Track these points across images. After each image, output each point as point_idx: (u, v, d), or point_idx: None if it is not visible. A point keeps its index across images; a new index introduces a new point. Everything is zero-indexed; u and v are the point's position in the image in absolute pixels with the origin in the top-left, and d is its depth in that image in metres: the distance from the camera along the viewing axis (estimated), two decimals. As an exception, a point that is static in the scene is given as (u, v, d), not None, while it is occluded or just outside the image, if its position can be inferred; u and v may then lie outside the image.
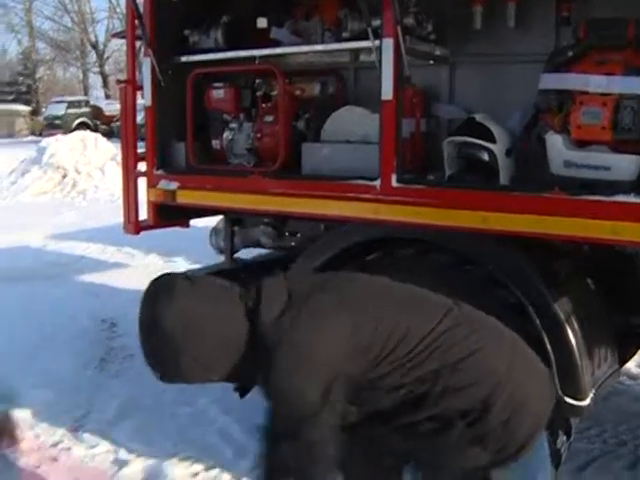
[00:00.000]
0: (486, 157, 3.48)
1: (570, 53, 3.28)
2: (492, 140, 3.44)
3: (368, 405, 2.30)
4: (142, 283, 7.72)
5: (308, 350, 2.20)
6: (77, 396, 5.17)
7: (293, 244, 4.20)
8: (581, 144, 3.21)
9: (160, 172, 4.45)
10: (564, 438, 3.34)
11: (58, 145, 17.00)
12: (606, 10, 3.42)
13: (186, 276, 2.46)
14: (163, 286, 2.38)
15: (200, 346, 2.27)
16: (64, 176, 16.37)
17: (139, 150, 4.72)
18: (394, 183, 3.47)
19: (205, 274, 2.55)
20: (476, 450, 2.27)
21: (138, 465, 4.21)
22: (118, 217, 5.10)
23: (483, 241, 3.34)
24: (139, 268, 9.18)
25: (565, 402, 3.13)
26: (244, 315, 2.30)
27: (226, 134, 4.37)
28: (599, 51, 3.20)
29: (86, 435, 4.60)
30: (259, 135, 4.21)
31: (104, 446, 4.46)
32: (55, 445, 4.49)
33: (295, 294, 2.34)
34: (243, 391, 3.69)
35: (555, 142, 3.28)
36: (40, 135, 33.72)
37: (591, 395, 3.19)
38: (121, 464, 4.23)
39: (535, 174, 3.44)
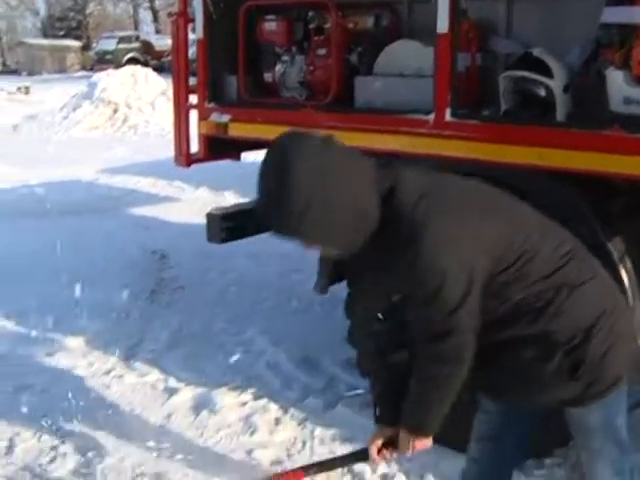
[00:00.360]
0: (543, 93, 3.40)
1: (635, -15, 3.17)
2: (550, 75, 3.36)
3: (484, 315, 2.25)
4: (192, 216, 7.91)
5: (456, 233, 2.14)
6: (129, 326, 5.28)
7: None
8: (644, 80, 3.12)
9: (212, 105, 4.44)
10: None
11: (109, 80, 17.07)
12: None
13: (323, 137, 2.21)
14: (296, 137, 2.16)
15: (332, 200, 2.06)
16: (115, 111, 16.46)
17: (190, 83, 4.71)
18: (448, 117, 3.41)
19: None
20: (568, 382, 2.25)
21: (188, 393, 4.29)
22: (168, 151, 5.12)
23: (537, 177, 3.29)
24: (189, 202, 9.25)
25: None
26: (377, 190, 2.17)
27: (278, 67, 4.33)
28: (666, -17, 3.09)
29: (137, 363, 4.69)
30: (311, 68, 4.17)
31: (155, 374, 4.55)
32: (107, 373, 4.60)
33: (439, 183, 2.30)
34: (330, 281, 3.65)
35: (615, 78, 3.19)
36: (91, 70, 33.87)
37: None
38: (171, 392, 4.32)
39: (593, 111, 3.36)
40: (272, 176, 2.09)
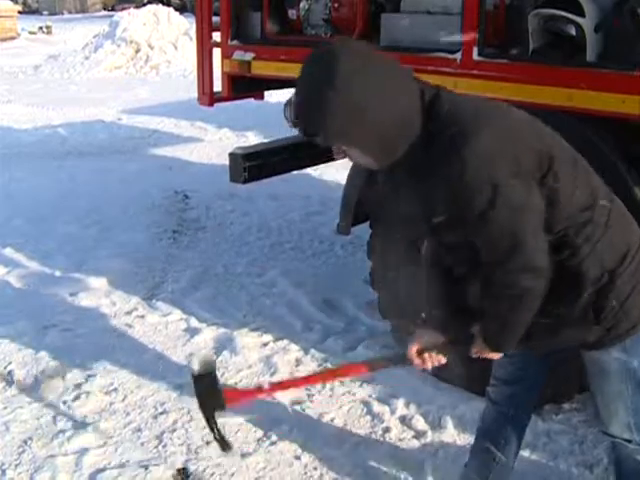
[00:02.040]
0: (573, 32, 3.31)
1: None
2: (581, 14, 3.28)
3: None
4: (214, 157, 7.92)
5: (514, 131, 2.09)
6: (151, 266, 5.30)
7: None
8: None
9: (235, 43, 4.37)
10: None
11: (131, 19, 16.91)
12: None
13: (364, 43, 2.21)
14: (347, 41, 2.14)
15: (374, 109, 1.98)
16: (137, 51, 16.34)
17: (213, 22, 4.65)
18: (475, 57, 3.34)
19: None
20: (592, 324, 2.23)
21: (209, 334, 4.31)
22: (191, 92, 5.09)
23: (566, 119, 3.23)
24: (212, 142, 9.21)
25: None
26: (421, 102, 2.08)
27: (302, 4, 4.26)
28: None
29: (159, 303, 4.72)
30: (336, 5, 4.09)
31: (176, 315, 4.57)
32: (130, 313, 4.63)
33: (475, 101, 2.23)
34: (351, 224, 3.62)
35: (649, 17, 3.11)
36: (112, 10, 33.59)
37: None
38: (193, 332, 4.34)
39: (625, 52, 3.28)
40: (317, 76, 2.01)
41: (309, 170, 6.44)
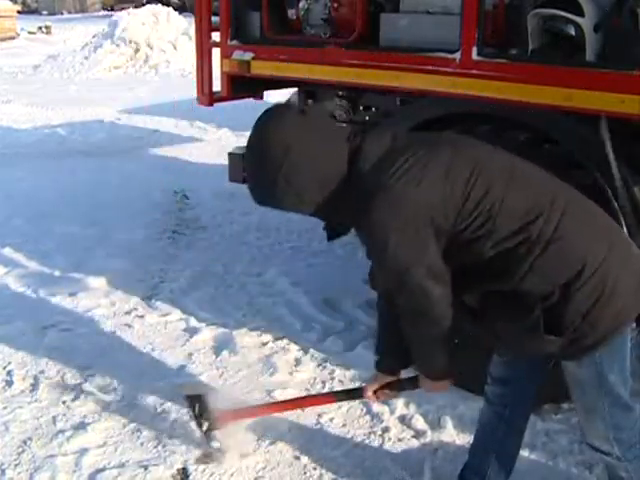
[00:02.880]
0: (573, 32, 3.32)
1: None
2: (580, 14, 3.28)
3: (454, 261, 2.29)
4: (214, 157, 7.89)
5: (404, 197, 2.19)
6: (150, 266, 5.29)
7: (367, 118, 4.12)
8: (678, 19, 3.04)
9: (234, 42, 4.38)
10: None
11: (130, 19, 16.90)
12: None
13: (301, 109, 2.49)
14: (274, 112, 2.33)
15: (297, 172, 2.24)
16: (136, 51, 16.35)
17: (213, 21, 4.65)
18: (474, 56, 3.35)
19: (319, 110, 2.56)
20: (550, 337, 2.21)
21: (208, 333, 4.31)
22: (190, 92, 5.09)
23: (565, 120, 3.23)
24: (211, 142, 9.22)
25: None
26: (347, 154, 2.29)
27: (302, 3, 4.25)
28: None
29: (159, 303, 4.71)
30: (336, 5, 4.09)
31: (176, 314, 4.57)
32: (129, 313, 4.62)
33: (398, 145, 2.31)
34: (332, 234, 3.69)
35: (649, 17, 3.10)
36: (112, 9, 33.57)
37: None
38: (192, 332, 4.33)
39: (624, 52, 3.28)
40: (249, 151, 2.34)
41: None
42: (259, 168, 2.29)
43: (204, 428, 3.15)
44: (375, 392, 2.82)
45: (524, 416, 2.77)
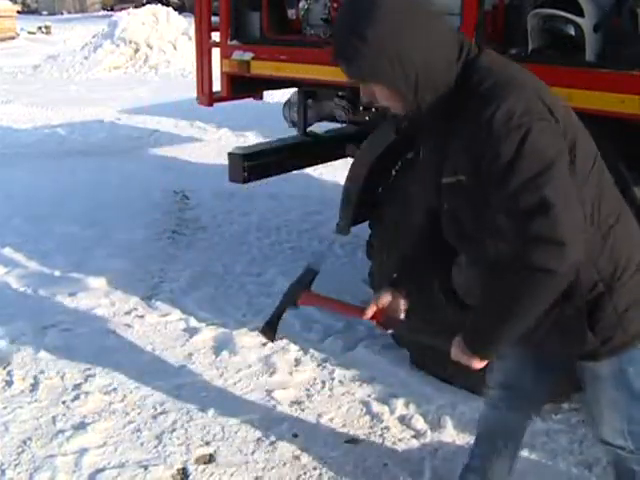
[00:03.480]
0: (572, 32, 3.31)
1: None
2: (580, 14, 3.27)
3: None
4: (214, 157, 7.90)
5: (536, 91, 2.02)
6: (150, 266, 5.29)
7: (367, 118, 4.12)
8: (678, 19, 3.04)
9: (234, 42, 4.38)
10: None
11: (130, 19, 16.90)
12: None
13: None
14: None
15: (412, 50, 1.95)
16: (136, 51, 16.34)
17: (212, 21, 4.65)
18: (474, 56, 3.34)
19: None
20: (584, 334, 2.15)
21: (208, 333, 4.31)
22: (190, 92, 5.09)
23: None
24: (211, 142, 9.21)
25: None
26: (458, 52, 2.04)
27: (302, 4, 4.26)
28: None
29: (158, 303, 4.71)
30: (335, 5, 4.08)
31: (176, 314, 4.57)
32: (129, 313, 4.62)
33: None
34: (351, 223, 3.74)
35: (648, 17, 3.11)
36: (112, 9, 33.55)
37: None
38: (192, 332, 4.33)
39: (624, 52, 3.28)
40: (360, 5, 1.97)
41: (309, 170, 6.44)
42: (371, 22, 1.93)
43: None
44: (376, 315, 2.48)
45: (527, 419, 2.75)
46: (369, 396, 3.71)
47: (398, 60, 1.94)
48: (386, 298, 2.45)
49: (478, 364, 2.18)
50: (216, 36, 4.59)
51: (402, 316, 2.47)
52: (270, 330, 2.80)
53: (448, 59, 2.01)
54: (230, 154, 4.38)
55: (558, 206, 1.87)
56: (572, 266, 1.92)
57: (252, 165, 4.30)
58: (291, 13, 4.36)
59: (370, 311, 2.47)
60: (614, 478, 2.54)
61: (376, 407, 3.60)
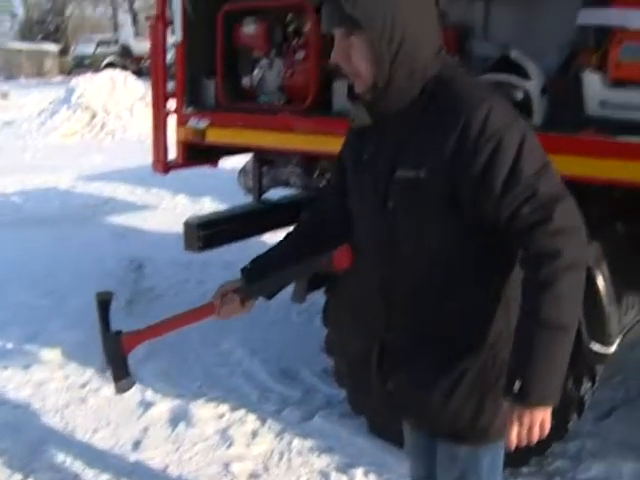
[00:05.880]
0: (520, 96, 3.36)
1: (611, -14, 3.15)
2: (527, 78, 3.33)
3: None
4: (170, 224, 7.82)
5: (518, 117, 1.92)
6: (104, 337, 5.18)
7: (322, 184, 4.13)
8: (619, 83, 3.09)
9: (190, 110, 4.38)
10: (588, 385, 3.31)
11: (87, 85, 16.89)
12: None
13: None
14: None
15: (408, 14, 1.87)
16: (93, 116, 16.31)
17: (169, 88, 4.65)
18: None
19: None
20: (467, 400, 2.00)
21: (164, 406, 4.22)
22: (146, 158, 5.05)
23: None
24: (167, 209, 9.16)
25: (590, 348, 3.07)
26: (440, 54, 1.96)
27: (256, 71, 4.28)
28: (641, -15, 3.07)
29: (113, 375, 4.60)
30: (290, 72, 4.11)
31: (131, 387, 4.47)
32: (83, 386, 4.51)
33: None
34: (307, 291, 3.67)
35: (592, 81, 3.16)
36: (69, 75, 33.67)
37: (617, 342, 3.13)
38: (147, 405, 4.24)
39: (570, 114, 3.33)
40: None
41: (265, 237, 6.41)
42: None
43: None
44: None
45: None
46: (328, 466, 3.64)
47: (392, 18, 1.85)
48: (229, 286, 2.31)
49: (548, 416, 1.85)
50: (172, 103, 4.59)
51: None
52: (128, 383, 2.57)
53: (431, 47, 1.93)
54: (185, 223, 4.35)
55: (568, 195, 1.86)
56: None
57: (207, 234, 4.28)
58: (246, 81, 4.37)
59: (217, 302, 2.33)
60: None
61: (335, 477, 3.53)
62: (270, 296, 2.36)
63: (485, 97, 1.86)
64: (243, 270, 2.33)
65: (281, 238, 2.38)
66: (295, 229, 2.41)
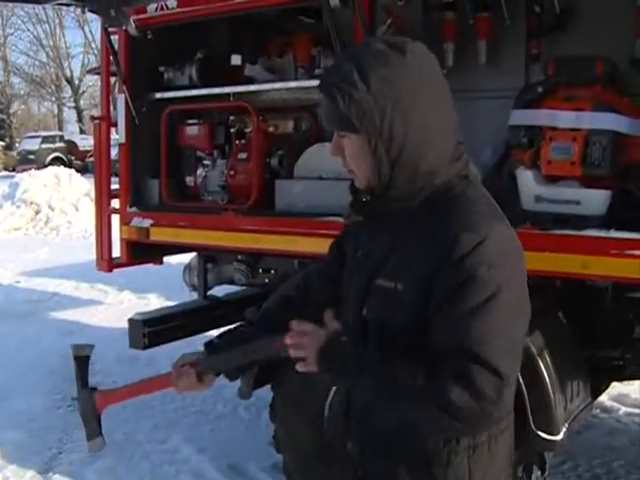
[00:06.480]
0: (459, 193, 3.47)
1: (540, 89, 3.32)
2: (464, 176, 3.44)
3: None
4: (115, 320, 7.72)
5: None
6: (48, 436, 5.09)
7: (267, 281, 4.18)
8: (551, 179, 3.24)
9: (133, 209, 4.43)
10: (538, 473, 3.33)
11: (31, 180, 16.87)
12: (574, 47, 3.47)
13: None
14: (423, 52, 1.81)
15: (412, 108, 1.73)
16: (37, 212, 16.24)
17: (112, 187, 4.71)
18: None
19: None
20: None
21: (110, 507, 4.14)
22: (91, 254, 5.06)
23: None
24: (112, 305, 9.10)
25: (538, 436, 3.12)
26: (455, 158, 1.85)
27: (199, 171, 4.37)
28: (568, 87, 3.25)
29: (56, 476, 4.51)
30: (232, 172, 4.21)
31: (74, 488, 4.38)
32: (24, 488, 4.41)
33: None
34: (253, 387, 3.60)
35: (526, 177, 3.30)
36: (13, 170, 33.52)
37: (564, 429, 3.17)
38: (92, 506, 4.16)
39: (506, 210, 3.43)
40: (380, 47, 1.76)
41: (211, 333, 6.40)
42: (387, 69, 1.72)
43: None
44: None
45: None
46: None
47: (390, 119, 1.72)
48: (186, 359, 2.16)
49: (309, 366, 1.84)
50: (116, 202, 4.64)
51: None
52: (99, 443, 2.47)
53: (441, 150, 1.80)
54: (130, 320, 4.36)
55: (499, 350, 1.70)
56: (485, 422, 1.75)
57: (152, 331, 4.29)
58: (189, 180, 4.46)
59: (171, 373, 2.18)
60: None
61: None
62: (231, 377, 2.22)
63: (485, 225, 1.74)
64: (206, 344, 2.22)
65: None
66: (265, 309, 2.34)
